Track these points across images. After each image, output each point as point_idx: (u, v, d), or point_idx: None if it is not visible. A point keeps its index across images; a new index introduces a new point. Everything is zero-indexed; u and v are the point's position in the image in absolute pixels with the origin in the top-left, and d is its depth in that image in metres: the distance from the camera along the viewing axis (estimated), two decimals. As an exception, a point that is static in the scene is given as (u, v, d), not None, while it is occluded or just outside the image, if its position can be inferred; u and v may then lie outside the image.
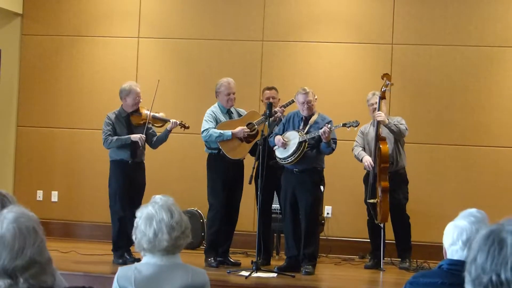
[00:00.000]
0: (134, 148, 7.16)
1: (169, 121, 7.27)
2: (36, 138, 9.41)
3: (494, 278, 1.53)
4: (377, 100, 7.32)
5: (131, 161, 7.17)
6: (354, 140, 7.61)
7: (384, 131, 7.36)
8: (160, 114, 7.36)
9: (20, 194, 8.79)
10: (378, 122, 7.27)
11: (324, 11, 8.90)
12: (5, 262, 1.92)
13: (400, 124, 7.38)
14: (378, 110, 7.27)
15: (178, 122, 7.24)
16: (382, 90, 7.31)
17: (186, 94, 9.08)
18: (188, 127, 7.36)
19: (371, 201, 7.37)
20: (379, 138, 7.27)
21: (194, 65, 9.13)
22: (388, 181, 7.19)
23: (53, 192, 9.34)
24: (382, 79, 7.38)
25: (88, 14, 9.38)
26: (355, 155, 7.56)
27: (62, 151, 9.36)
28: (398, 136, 7.39)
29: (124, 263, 6.85)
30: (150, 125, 7.26)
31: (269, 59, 8.98)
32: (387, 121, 7.29)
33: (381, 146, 7.21)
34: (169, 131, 7.26)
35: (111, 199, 7.23)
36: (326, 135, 6.67)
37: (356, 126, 6.75)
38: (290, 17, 8.96)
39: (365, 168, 7.46)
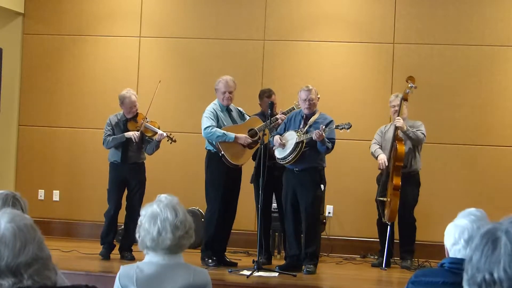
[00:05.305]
0: (126, 151, 7.39)
1: (158, 132, 7.41)
2: (37, 137, 9.41)
3: (487, 277, 1.52)
4: (399, 103, 7.39)
5: (123, 163, 7.41)
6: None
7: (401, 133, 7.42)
8: (152, 127, 7.45)
9: (21, 193, 8.62)
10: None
11: (325, 11, 8.89)
12: (8, 260, 1.93)
13: (418, 130, 7.43)
14: (399, 112, 7.37)
15: (165, 135, 7.40)
16: (406, 92, 7.38)
17: (187, 93, 9.08)
18: (175, 141, 7.49)
19: (381, 199, 7.40)
20: (396, 138, 7.32)
21: (195, 65, 9.13)
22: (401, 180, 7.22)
23: (54, 191, 9.34)
24: (407, 81, 7.44)
25: (89, 14, 9.38)
26: (371, 152, 7.61)
27: (64, 150, 9.36)
28: (416, 142, 7.44)
29: (106, 257, 7.32)
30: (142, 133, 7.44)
31: (271, 59, 8.98)
32: (405, 128, 7.33)
33: (397, 145, 7.26)
34: (158, 142, 7.46)
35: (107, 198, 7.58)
36: (318, 137, 6.67)
37: (348, 129, 6.73)
38: (292, 17, 8.95)
39: (379, 168, 7.48)
